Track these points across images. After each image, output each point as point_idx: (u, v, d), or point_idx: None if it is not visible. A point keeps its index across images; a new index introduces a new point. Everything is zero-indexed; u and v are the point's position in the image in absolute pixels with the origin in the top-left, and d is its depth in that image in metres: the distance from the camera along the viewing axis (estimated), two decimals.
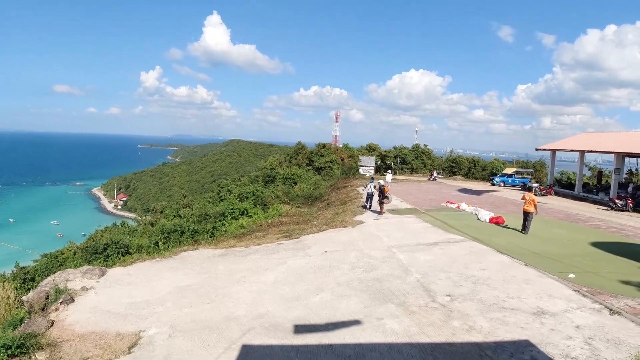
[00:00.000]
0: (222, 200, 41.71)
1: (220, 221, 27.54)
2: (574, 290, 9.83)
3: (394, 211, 22.64)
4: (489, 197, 32.02)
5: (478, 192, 35.47)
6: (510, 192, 37.75)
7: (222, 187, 49.46)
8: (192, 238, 23.41)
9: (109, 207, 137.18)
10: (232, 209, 29.29)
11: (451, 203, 25.49)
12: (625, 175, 38.80)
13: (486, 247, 14.33)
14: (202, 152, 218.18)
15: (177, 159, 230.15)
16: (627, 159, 37.08)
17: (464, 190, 36.52)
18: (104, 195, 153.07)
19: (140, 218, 63.65)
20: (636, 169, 44.10)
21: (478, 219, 20.56)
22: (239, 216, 28.22)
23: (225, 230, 24.94)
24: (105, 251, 23.12)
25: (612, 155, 34.20)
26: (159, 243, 23.51)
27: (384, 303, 9.11)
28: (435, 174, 50.77)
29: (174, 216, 36.96)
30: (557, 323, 7.95)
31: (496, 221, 19.62)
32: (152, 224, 37.54)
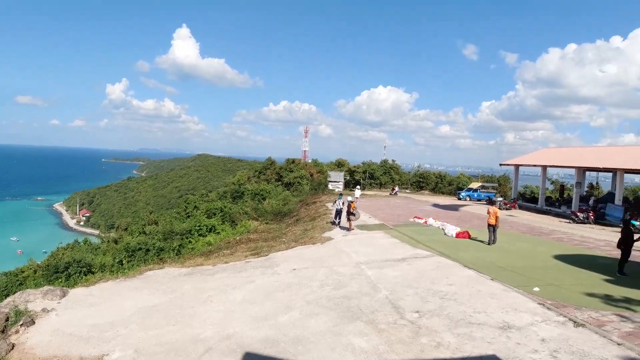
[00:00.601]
0: (189, 216, 41.02)
1: (187, 238, 27.06)
2: (539, 304, 10.02)
3: (363, 227, 22.73)
4: (456, 212, 32.55)
5: (445, 207, 36.01)
6: (476, 206, 38.47)
7: (189, 203, 48.68)
8: (157, 256, 22.90)
9: (71, 223, 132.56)
10: (200, 225, 28.83)
11: (419, 218, 25.78)
12: (586, 189, 40.11)
13: (453, 262, 14.50)
14: (168, 167, 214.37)
15: (142, 174, 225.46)
16: (587, 172, 38.42)
17: (431, 205, 37.01)
18: (66, 210, 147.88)
19: (103, 235, 61.90)
20: (597, 183, 45.65)
21: (445, 233, 20.85)
22: (207, 233, 27.81)
23: (192, 248, 24.52)
24: (67, 270, 22.31)
25: (573, 169, 35.41)
26: (123, 262, 22.88)
27: (353, 321, 9.08)
28: (396, 189, 51.74)
29: (139, 233, 36.09)
30: (523, 337, 8.07)
31: (462, 236, 19.95)
32: (116, 242, 36.55)
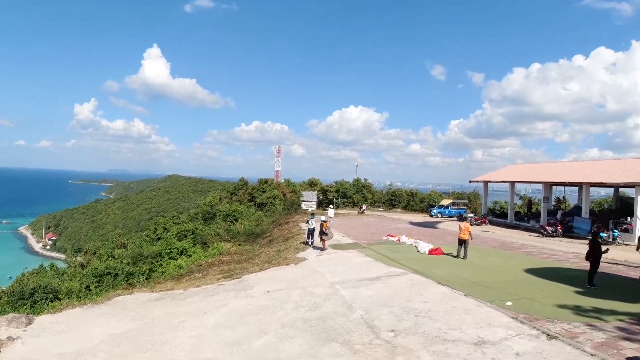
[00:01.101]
0: (159, 239, 40.29)
1: (157, 262, 26.54)
2: (512, 318, 10.09)
3: (337, 246, 22.67)
4: (428, 229, 32.83)
5: (417, 224, 36.30)
6: (448, 223, 38.90)
7: (159, 225, 47.84)
8: (126, 281, 22.41)
9: (37, 247, 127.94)
10: (170, 248, 28.32)
11: (392, 236, 25.87)
12: (553, 203, 41.06)
13: (427, 279, 14.54)
14: (138, 188, 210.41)
15: (111, 196, 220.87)
16: (554, 187, 39.38)
17: (404, 223, 37.26)
18: (32, 234, 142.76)
19: (70, 259, 60.07)
20: (563, 197, 46.83)
21: (418, 251, 20.96)
22: (177, 256, 27.33)
23: (162, 272, 24.06)
24: (33, 296, 21.57)
25: (541, 184, 36.28)
26: (91, 287, 22.32)
27: (328, 343, 8.96)
28: (364, 207, 52.18)
29: (107, 257, 35.14)
30: (497, 352, 8.09)
31: (435, 252, 20.09)
32: (83, 266, 35.58)
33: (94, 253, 47.18)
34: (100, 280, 23.02)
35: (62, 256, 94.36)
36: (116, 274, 23.46)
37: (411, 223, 37.13)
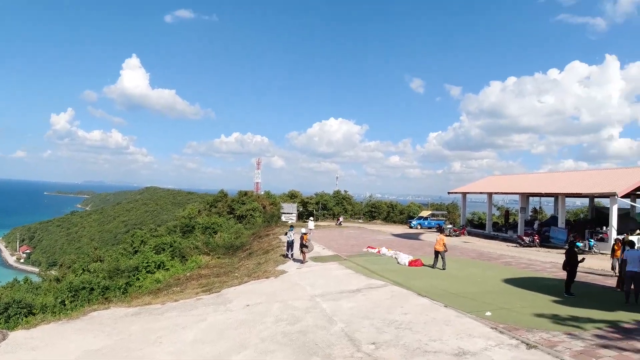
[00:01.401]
0: (136, 252, 39.61)
1: (134, 276, 26.05)
2: (492, 328, 10.14)
3: (317, 259, 22.59)
4: (408, 240, 32.98)
5: (397, 236, 36.45)
6: (428, 234, 39.15)
7: (136, 238, 47.10)
8: (102, 296, 21.97)
9: (11, 260, 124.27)
10: (148, 262, 27.83)
11: (372, 248, 25.92)
12: (530, 213, 41.70)
13: (407, 291, 14.55)
14: (115, 200, 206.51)
15: (87, 208, 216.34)
16: (531, 198, 40.02)
17: (384, 234, 37.37)
18: (6, 247, 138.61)
19: (45, 273, 58.65)
20: (540, 207, 47.58)
21: (398, 262, 21.01)
22: (155, 270, 26.87)
23: (139, 286, 23.63)
24: (7, 311, 20.94)
25: (518, 195, 36.86)
26: (66, 302, 21.81)
27: (309, 357, 8.86)
28: (341, 218, 52.29)
29: (83, 271, 34.44)
30: None
31: (415, 264, 20.19)
32: (58, 280, 34.79)
33: (69, 267, 46.22)
34: (75, 295, 22.52)
35: (37, 270, 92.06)
36: (92, 289, 22.97)
37: (391, 234, 37.26)
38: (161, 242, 35.66)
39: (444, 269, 18.78)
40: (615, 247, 17.91)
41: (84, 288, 23.00)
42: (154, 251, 33.12)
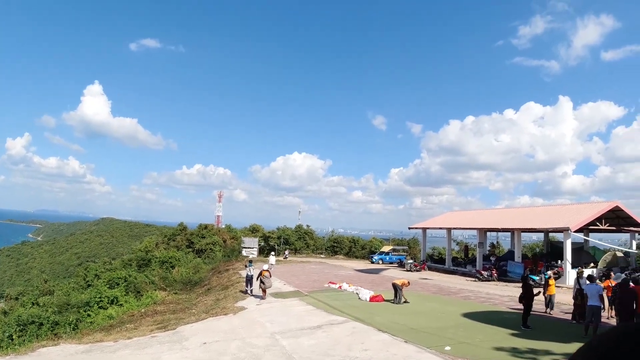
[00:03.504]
0: (89, 286, 37.98)
1: (86, 311, 24.89)
2: None
3: (277, 294, 22.19)
4: (369, 276, 32.92)
5: (359, 271, 36.35)
6: (389, 269, 39.23)
7: (89, 272, 45.29)
8: (52, 331, 20.97)
9: None
10: (100, 297, 26.62)
11: (333, 283, 25.68)
12: (488, 248, 42.53)
13: (368, 327, 14.40)
14: (68, 231, 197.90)
15: (39, 238, 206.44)
16: (488, 233, 40.93)
17: (346, 270, 37.22)
18: None
19: None
20: (497, 242, 48.63)
21: (359, 298, 20.86)
22: (108, 305, 25.72)
23: (91, 322, 22.61)
24: None
25: (476, 230, 37.62)
26: (14, 336, 20.69)
27: None
28: (287, 252, 51.38)
29: (32, 304, 32.73)
30: None
31: (376, 299, 20.08)
32: (5, 313, 32.94)
33: (17, 299, 43.92)
34: (23, 330, 21.39)
35: None
36: (41, 323, 21.86)
37: (353, 270, 37.14)
38: (115, 276, 34.25)
39: (406, 302, 18.76)
40: (550, 282, 17.67)
41: (32, 322, 21.89)
42: (108, 285, 31.75)
